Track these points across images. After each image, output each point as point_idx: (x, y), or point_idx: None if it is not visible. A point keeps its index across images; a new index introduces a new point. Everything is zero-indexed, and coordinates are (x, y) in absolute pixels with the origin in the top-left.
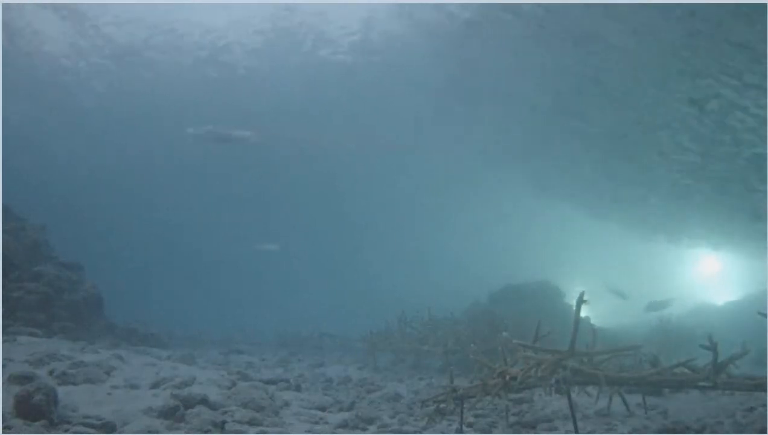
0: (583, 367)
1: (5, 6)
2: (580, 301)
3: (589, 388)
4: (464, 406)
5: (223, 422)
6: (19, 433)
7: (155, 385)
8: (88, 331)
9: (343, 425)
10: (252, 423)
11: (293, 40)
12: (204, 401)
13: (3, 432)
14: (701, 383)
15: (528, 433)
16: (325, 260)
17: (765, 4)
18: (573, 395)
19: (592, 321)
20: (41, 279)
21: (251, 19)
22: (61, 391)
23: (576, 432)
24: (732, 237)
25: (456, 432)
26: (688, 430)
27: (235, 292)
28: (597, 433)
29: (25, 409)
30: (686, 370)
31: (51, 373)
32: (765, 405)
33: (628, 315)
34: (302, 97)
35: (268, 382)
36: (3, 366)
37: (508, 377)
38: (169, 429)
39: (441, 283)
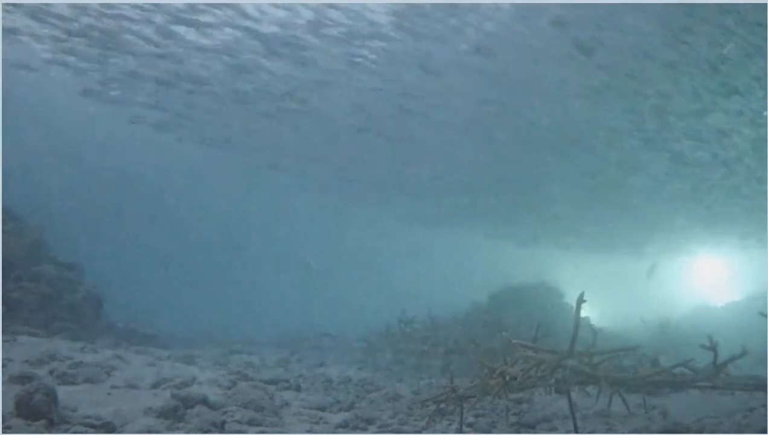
0: (583, 367)
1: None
2: (580, 301)
3: (589, 388)
4: (464, 406)
5: (223, 422)
6: (19, 433)
7: (155, 385)
8: (88, 331)
9: (343, 425)
10: (252, 423)
11: None
12: (204, 401)
13: (3, 432)
14: (701, 383)
15: (528, 433)
16: (326, 260)
17: (765, 4)
18: (573, 395)
19: (592, 322)
20: (41, 279)
21: None
22: (61, 391)
23: (576, 432)
24: None
25: (456, 432)
26: (688, 430)
27: (235, 292)
28: (597, 433)
29: (25, 409)
30: (686, 371)
31: (51, 373)
32: (765, 405)
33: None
34: None
35: (268, 382)
36: (3, 366)
37: (508, 377)
38: (169, 429)
39: (441, 283)
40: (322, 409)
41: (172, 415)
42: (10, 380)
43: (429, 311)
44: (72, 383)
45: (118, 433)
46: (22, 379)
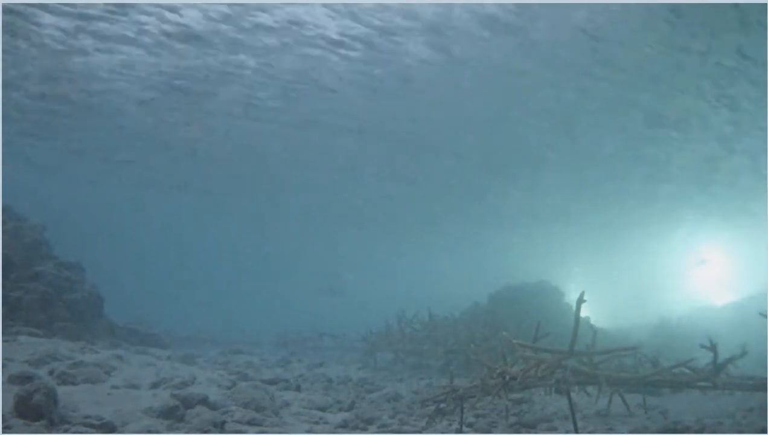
0: (582, 367)
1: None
2: (580, 301)
3: (589, 388)
4: (464, 406)
5: (223, 422)
6: (19, 433)
7: (155, 385)
8: (88, 331)
9: (343, 425)
10: (252, 423)
11: None
12: (204, 401)
13: (3, 432)
14: (701, 383)
15: (528, 433)
16: (327, 259)
17: (765, 4)
18: (573, 395)
19: (593, 321)
20: (41, 279)
21: None
22: (61, 391)
23: (576, 432)
24: None
25: (456, 432)
26: (688, 430)
27: (235, 292)
28: (597, 433)
29: (25, 409)
30: (686, 370)
31: (51, 373)
32: (765, 405)
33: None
34: None
35: (268, 382)
36: (3, 366)
37: (508, 377)
38: (169, 429)
39: (441, 283)
40: (322, 409)
41: (172, 415)
42: (10, 380)
43: (429, 311)
44: (72, 383)
45: (118, 433)
46: (22, 379)
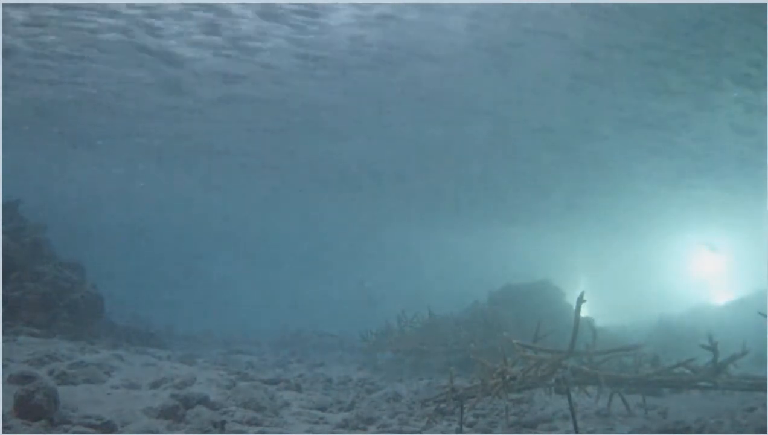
0: (582, 367)
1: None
2: (580, 300)
3: (589, 388)
4: (464, 406)
5: (223, 422)
6: (19, 433)
7: (155, 385)
8: (88, 331)
9: (343, 425)
10: (252, 423)
11: None
12: (204, 401)
13: (3, 432)
14: (701, 383)
15: (528, 433)
16: (327, 259)
17: (765, 4)
18: (573, 395)
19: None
20: (41, 279)
21: None
22: (61, 391)
23: (576, 432)
24: None
25: (456, 432)
26: (688, 430)
27: (235, 291)
28: (597, 433)
29: (25, 409)
30: (686, 370)
31: (51, 373)
32: (765, 405)
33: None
34: None
35: (268, 382)
36: (3, 366)
37: (508, 377)
38: (169, 429)
39: (441, 283)
40: (322, 409)
41: (172, 415)
42: (10, 380)
43: (429, 310)
44: (72, 383)
45: (118, 433)
46: (22, 379)
